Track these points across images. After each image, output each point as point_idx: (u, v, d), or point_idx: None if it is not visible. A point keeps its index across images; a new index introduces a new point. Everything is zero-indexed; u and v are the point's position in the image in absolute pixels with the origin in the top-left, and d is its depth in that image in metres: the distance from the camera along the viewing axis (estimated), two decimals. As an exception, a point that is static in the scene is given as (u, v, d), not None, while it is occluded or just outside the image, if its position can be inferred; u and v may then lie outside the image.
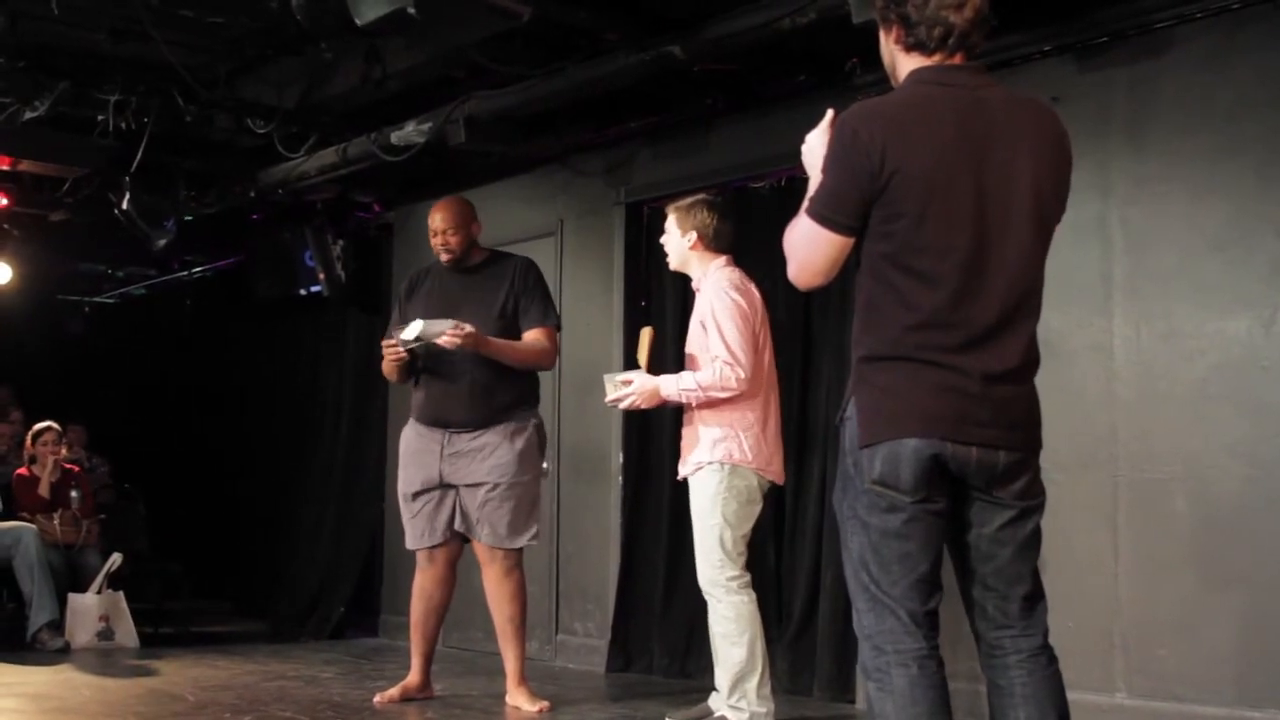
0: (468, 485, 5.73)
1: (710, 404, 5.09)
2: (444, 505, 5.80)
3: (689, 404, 5.15)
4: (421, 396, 5.85)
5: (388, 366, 5.84)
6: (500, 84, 6.61)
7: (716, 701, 5.28)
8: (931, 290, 2.83)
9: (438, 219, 5.89)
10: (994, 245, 2.85)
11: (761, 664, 5.07)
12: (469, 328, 5.52)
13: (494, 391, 5.73)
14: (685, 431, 5.26)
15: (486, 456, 5.71)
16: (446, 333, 5.50)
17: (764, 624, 5.33)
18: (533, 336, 5.81)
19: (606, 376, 5.37)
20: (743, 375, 5.03)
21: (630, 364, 7.25)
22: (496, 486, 5.69)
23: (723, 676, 5.09)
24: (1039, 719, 2.91)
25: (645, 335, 5.37)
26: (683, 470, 5.24)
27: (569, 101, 6.63)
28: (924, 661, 2.85)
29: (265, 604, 9.83)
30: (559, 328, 5.95)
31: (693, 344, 5.24)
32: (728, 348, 5.05)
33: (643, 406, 5.31)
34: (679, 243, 5.35)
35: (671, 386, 5.13)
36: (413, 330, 5.59)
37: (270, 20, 6.19)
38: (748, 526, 5.13)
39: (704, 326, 5.15)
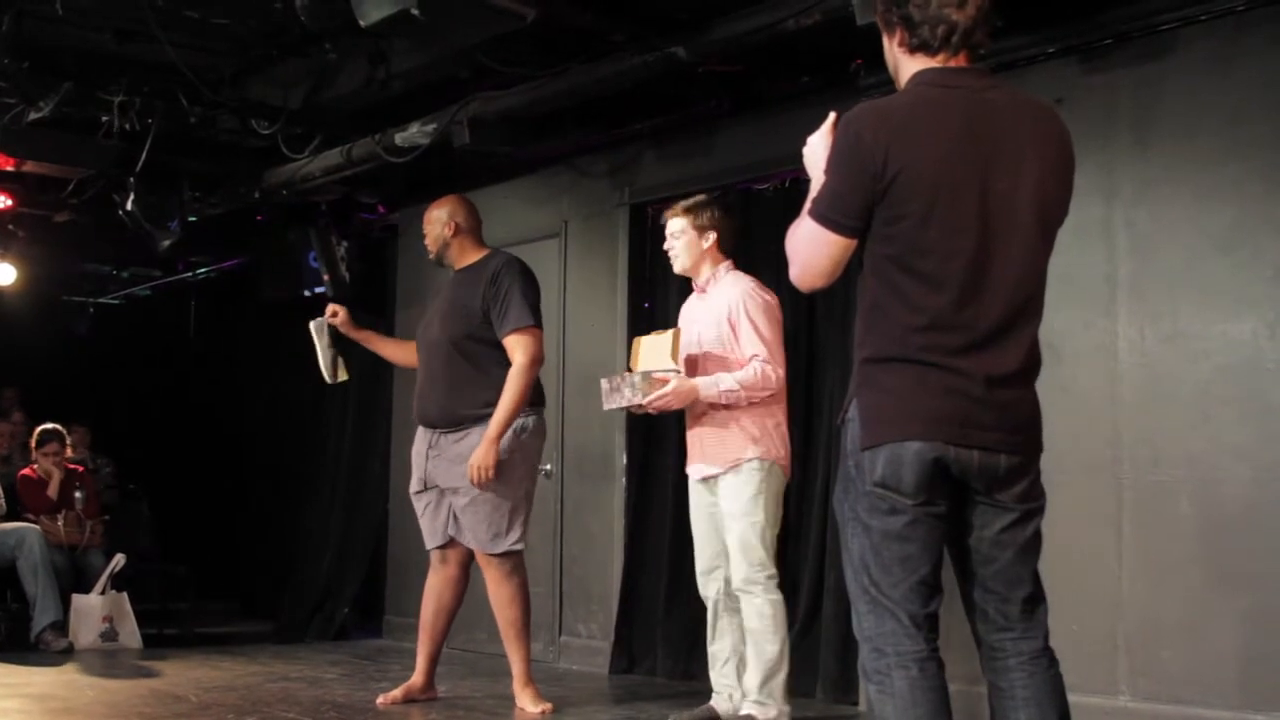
0: (448, 488, 5.74)
1: (745, 403, 5.10)
2: (441, 507, 5.82)
3: (726, 404, 5.11)
4: (415, 394, 5.94)
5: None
6: (505, 85, 6.61)
7: (719, 703, 5.28)
8: (936, 292, 2.83)
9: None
10: (998, 248, 2.85)
11: (788, 662, 5.11)
12: (471, 474, 5.56)
13: (467, 389, 5.70)
14: (706, 430, 5.21)
15: (461, 460, 5.66)
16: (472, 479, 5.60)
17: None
18: (508, 345, 5.67)
19: (637, 374, 5.19)
20: (781, 374, 5.10)
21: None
22: (470, 492, 5.65)
23: (754, 674, 5.08)
24: (1040, 721, 2.91)
25: (674, 335, 5.23)
26: (708, 469, 5.21)
27: (573, 103, 6.63)
28: (924, 664, 2.84)
29: (270, 605, 9.84)
30: (537, 324, 5.71)
31: (709, 343, 5.21)
32: (766, 346, 5.08)
33: (674, 408, 5.20)
34: (695, 244, 5.33)
35: (711, 389, 5.08)
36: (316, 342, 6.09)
37: (275, 21, 6.20)
38: (778, 525, 5.20)
39: (732, 324, 5.15)
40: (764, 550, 5.09)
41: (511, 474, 5.71)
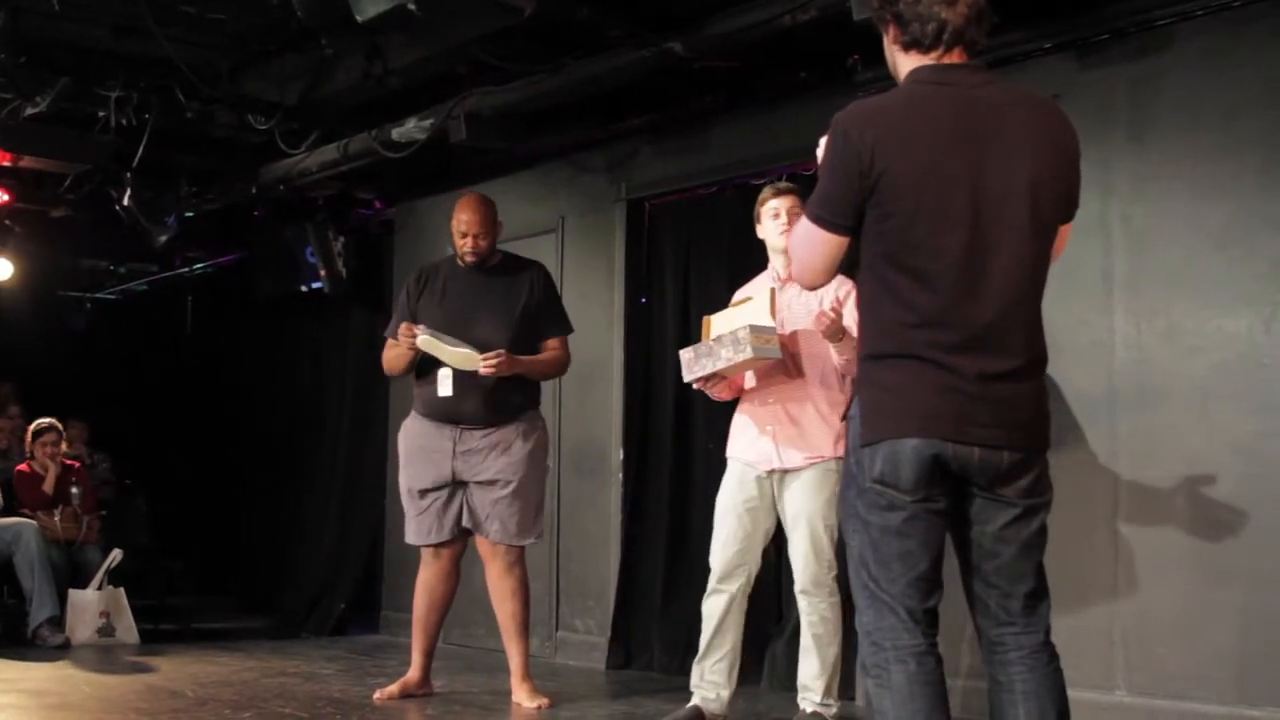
0: (479, 482, 5.74)
1: (834, 387, 5.05)
2: (453, 502, 5.81)
3: (843, 378, 5.03)
4: (431, 391, 5.82)
5: (397, 357, 5.86)
6: (502, 80, 6.61)
7: (706, 703, 5.22)
8: (927, 289, 2.84)
9: (469, 220, 5.84)
10: (991, 245, 2.85)
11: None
12: (499, 358, 5.57)
13: (508, 391, 5.75)
14: (779, 415, 5.09)
15: (500, 454, 5.72)
16: (482, 367, 5.56)
17: (763, 623, 5.33)
18: (552, 345, 5.90)
19: (742, 328, 4.87)
20: None
21: (635, 356, 7.27)
22: (510, 484, 5.71)
23: (818, 677, 5.05)
24: (1039, 716, 2.91)
25: (771, 295, 5.03)
26: (783, 461, 5.08)
27: (570, 98, 6.63)
28: (922, 658, 2.85)
29: (267, 600, 9.85)
30: (571, 332, 6.00)
31: (802, 325, 5.07)
32: None
33: (828, 337, 4.87)
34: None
35: (850, 341, 4.82)
36: (438, 348, 5.63)
37: (272, 17, 6.20)
38: None
39: (838, 305, 5.02)
40: (833, 553, 5.02)
41: (540, 469, 5.86)
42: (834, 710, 5.07)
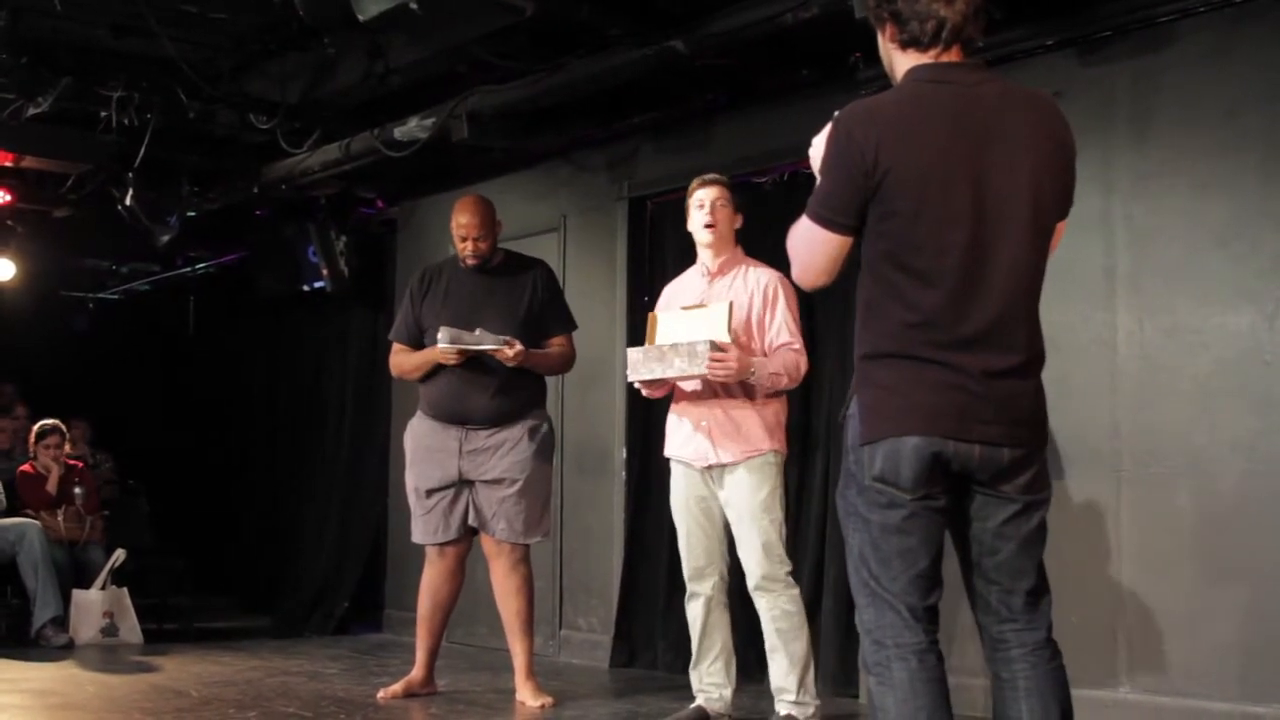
0: (486, 481, 5.75)
1: (774, 391, 5.03)
2: (459, 501, 5.81)
3: (746, 392, 5.01)
4: (438, 391, 5.83)
5: (418, 367, 5.86)
6: (503, 79, 6.62)
7: (708, 703, 5.22)
8: (930, 288, 2.84)
9: (467, 223, 5.85)
10: (992, 242, 2.85)
11: (814, 655, 5.09)
12: (519, 346, 5.62)
13: (515, 390, 5.78)
14: (716, 415, 5.05)
15: (506, 453, 5.74)
16: (504, 353, 5.60)
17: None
18: (557, 343, 5.94)
19: (701, 342, 4.86)
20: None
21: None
22: (516, 483, 5.73)
23: (789, 674, 4.99)
24: (1041, 713, 2.91)
25: (729, 309, 4.98)
26: (717, 457, 5.04)
27: (572, 97, 6.63)
28: (924, 655, 2.86)
29: (270, 599, 9.85)
30: (575, 329, 6.04)
31: (737, 323, 5.02)
32: (800, 335, 5.03)
33: (731, 380, 4.94)
34: (732, 219, 5.19)
35: (764, 369, 4.89)
36: (467, 340, 5.64)
37: (273, 16, 6.21)
38: None
39: (766, 307, 5.03)
40: (783, 546, 5.01)
41: (546, 468, 5.91)
42: (810, 710, 5.00)
